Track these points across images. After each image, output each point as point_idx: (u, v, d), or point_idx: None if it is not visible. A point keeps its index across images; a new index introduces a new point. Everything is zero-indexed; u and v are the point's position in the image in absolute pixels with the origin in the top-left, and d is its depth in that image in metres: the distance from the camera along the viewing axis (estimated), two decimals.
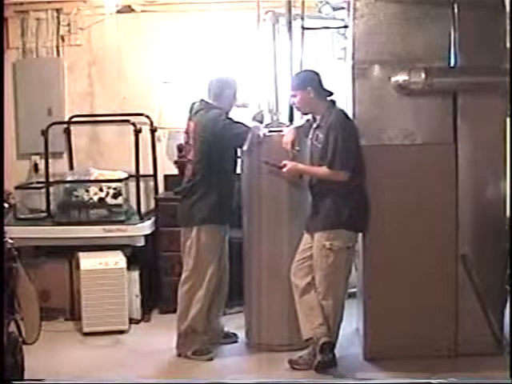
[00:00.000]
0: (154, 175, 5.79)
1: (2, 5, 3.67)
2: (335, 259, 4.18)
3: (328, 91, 4.30)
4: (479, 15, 4.25)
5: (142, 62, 5.81)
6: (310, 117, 4.41)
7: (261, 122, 4.60)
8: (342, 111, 4.29)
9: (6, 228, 3.44)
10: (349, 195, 4.19)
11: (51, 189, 5.56)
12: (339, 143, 4.13)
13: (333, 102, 4.31)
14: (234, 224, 4.68)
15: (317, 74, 4.33)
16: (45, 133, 5.57)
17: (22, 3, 5.73)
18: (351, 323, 4.68)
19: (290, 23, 4.65)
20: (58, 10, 5.80)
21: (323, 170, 4.19)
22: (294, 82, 4.36)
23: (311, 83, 4.27)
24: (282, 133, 4.48)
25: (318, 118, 4.30)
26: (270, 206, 4.55)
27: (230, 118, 4.46)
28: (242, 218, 4.71)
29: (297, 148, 4.40)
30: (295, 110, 4.63)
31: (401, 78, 4.26)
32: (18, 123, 5.85)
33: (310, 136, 4.34)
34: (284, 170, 4.33)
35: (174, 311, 4.60)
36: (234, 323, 4.96)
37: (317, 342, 4.16)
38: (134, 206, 5.57)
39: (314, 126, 4.31)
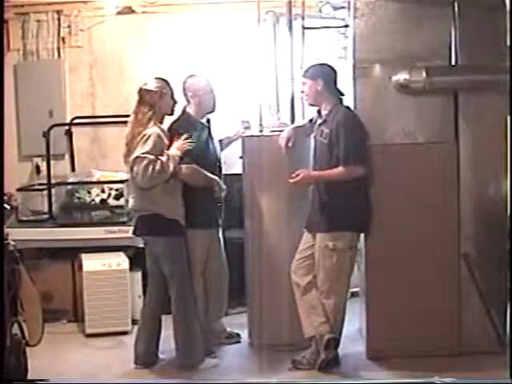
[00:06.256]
0: None
1: (3, 7, 3.66)
2: (338, 259, 4.19)
3: (340, 92, 4.29)
4: (479, 13, 4.25)
5: (142, 62, 5.80)
6: (314, 114, 4.41)
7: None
8: (349, 108, 4.28)
9: (8, 230, 3.45)
10: (352, 196, 4.19)
11: (53, 190, 5.55)
12: (351, 138, 4.12)
13: (340, 99, 4.30)
14: (234, 225, 4.68)
15: (333, 70, 4.31)
16: (46, 134, 5.56)
17: (22, 5, 5.74)
18: (354, 322, 4.68)
19: (290, 23, 4.64)
20: (58, 12, 5.80)
21: (338, 171, 4.13)
22: (307, 70, 4.33)
23: (323, 76, 4.25)
24: (282, 133, 4.48)
25: (323, 113, 4.28)
26: (270, 205, 4.56)
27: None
28: (244, 218, 4.72)
29: (290, 144, 4.38)
30: (296, 110, 4.63)
31: (402, 76, 4.26)
32: (20, 125, 5.85)
33: (314, 133, 4.33)
34: (298, 179, 4.16)
35: None
36: (236, 323, 4.96)
37: (320, 340, 4.17)
38: None
39: (319, 121, 4.29)
